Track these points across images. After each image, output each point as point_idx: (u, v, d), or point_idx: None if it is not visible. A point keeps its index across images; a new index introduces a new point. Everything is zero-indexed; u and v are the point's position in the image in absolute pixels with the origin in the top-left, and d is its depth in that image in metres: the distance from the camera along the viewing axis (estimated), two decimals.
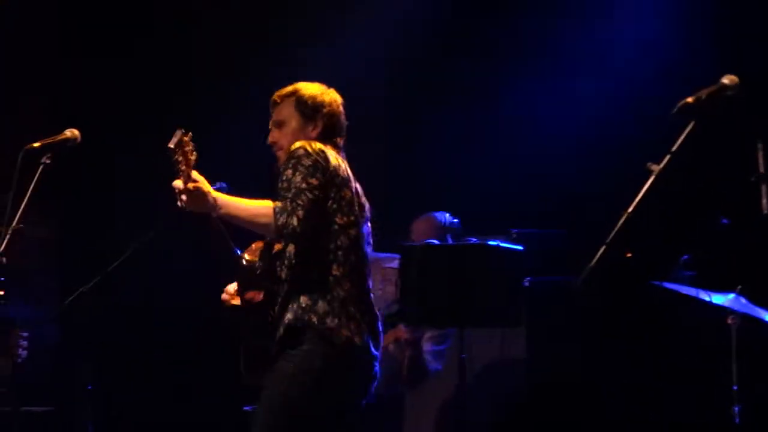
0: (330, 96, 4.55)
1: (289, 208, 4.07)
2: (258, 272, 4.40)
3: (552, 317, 5.63)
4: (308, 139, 4.35)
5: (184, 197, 4.05)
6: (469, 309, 5.48)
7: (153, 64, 7.27)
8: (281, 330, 4.16)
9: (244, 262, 4.57)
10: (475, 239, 5.61)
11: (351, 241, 4.24)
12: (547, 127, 6.80)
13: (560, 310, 5.48)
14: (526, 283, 5.57)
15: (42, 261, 6.49)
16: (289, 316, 4.15)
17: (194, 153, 4.15)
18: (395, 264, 5.73)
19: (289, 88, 4.59)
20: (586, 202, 6.21)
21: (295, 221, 4.03)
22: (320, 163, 4.18)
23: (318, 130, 4.41)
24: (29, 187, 4.74)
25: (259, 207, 4.18)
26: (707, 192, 6.10)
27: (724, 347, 5.40)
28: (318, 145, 4.26)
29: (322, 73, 6.36)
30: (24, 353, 5.42)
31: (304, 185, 4.13)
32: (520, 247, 5.55)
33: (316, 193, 4.12)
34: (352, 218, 4.29)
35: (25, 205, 4.67)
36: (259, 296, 4.39)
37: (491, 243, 5.52)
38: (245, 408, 5.93)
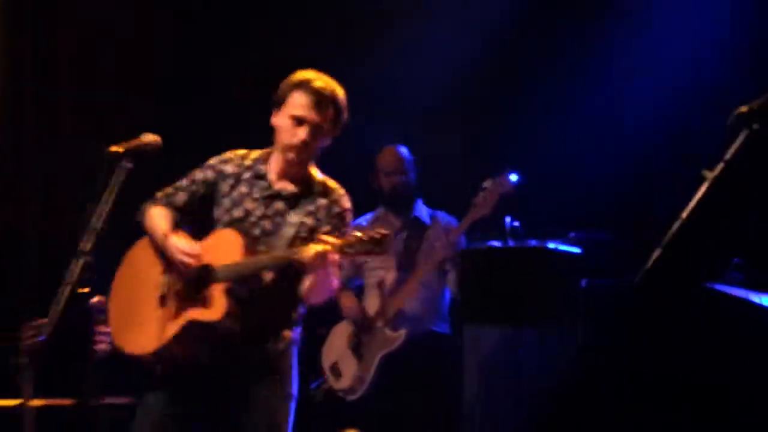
0: None
1: None
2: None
3: (608, 318, 5.69)
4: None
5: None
6: (527, 308, 5.76)
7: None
8: (286, 337, 4.65)
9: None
10: (534, 242, 5.82)
11: None
12: (608, 137, 6.90)
13: (616, 311, 5.58)
14: (583, 284, 5.62)
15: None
16: (293, 331, 4.66)
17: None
18: None
19: (332, 91, 4.63)
20: (646, 206, 6.25)
21: None
22: None
23: None
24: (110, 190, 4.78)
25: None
26: (759, 198, 5.85)
27: None
28: None
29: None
30: (107, 346, 5.57)
31: None
32: (577, 250, 5.78)
33: None
34: None
35: (109, 207, 4.68)
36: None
37: (550, 246, 5.77)
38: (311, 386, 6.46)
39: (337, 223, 4.58)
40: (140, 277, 4.83)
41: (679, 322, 5.73)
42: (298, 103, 4.54)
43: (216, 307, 4.46)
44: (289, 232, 4.56)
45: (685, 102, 6.61)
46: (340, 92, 4.63)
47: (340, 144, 5.59)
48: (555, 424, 5.67)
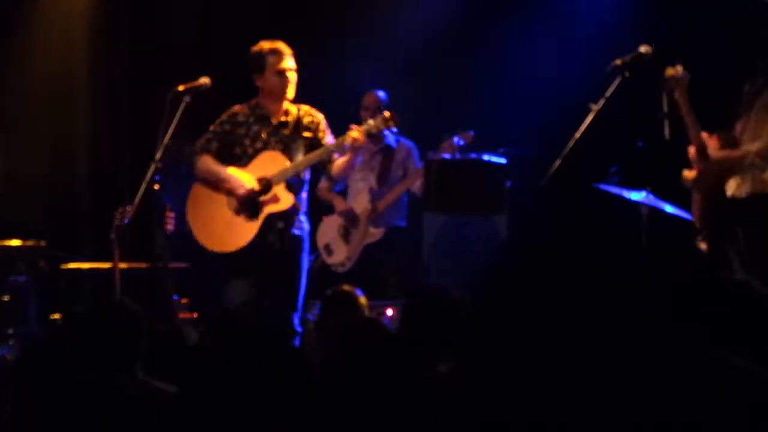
0: None
1: None
2: None
3: (526, 207, 6.94)
4: None
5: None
6: (469, 201, 7.12)
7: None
8: None
9: None
10: (474, 154, 7.20)
11: None
12: (532, 83, 8.01)
13: (532, 202, 6.69)
14: (508, 185, 7.10)
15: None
16: None
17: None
18: None
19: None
20: (553, 129, 6.82)
21: None
22: None
23: None
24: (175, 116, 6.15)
25: None
26: (630, 124, 6.92)
27: (638, 227, 6.38)
28: None
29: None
30: (172, 226, 6.97)
31: None
32: (504, 160, 7.15)
33: None
34: None
35: (174, 128, 6.10)
36: None
37: (484, 157, 7.14)
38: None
39: (325, 128, 6.30)
40: (209, 203, 6.32)
41: (572, 209, 7.08)
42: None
43: (285, 199, 6.23)
44: (299, 144, 6.29)
45: (582, 58, 7.50)
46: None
47: (338, 87, 7.07)
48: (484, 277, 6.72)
